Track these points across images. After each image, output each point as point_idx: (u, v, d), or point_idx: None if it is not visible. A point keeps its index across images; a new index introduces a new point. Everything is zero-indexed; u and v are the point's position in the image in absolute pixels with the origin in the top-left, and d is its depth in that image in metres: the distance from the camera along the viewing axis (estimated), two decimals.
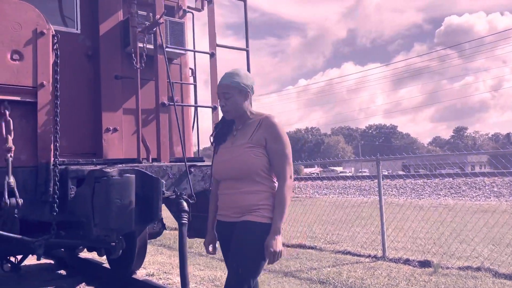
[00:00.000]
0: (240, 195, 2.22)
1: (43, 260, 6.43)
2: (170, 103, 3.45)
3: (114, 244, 2.77)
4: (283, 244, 7.03)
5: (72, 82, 3.93)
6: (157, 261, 5.94)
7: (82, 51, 4.05)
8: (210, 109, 3.81)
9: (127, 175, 2.58)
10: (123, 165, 3.04)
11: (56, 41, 2.94)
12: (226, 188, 2.30)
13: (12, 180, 2.60)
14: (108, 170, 2.56)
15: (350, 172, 51.69)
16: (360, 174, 37.55)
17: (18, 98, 2.74)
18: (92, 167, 2.92)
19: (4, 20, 2.70)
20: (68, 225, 2.97)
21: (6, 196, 2.54)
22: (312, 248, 6.47)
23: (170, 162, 3.49)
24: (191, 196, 3.17)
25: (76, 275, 5.41)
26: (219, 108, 3.77)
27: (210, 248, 2.50)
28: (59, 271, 5.74)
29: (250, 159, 2.19)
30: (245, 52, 4.00)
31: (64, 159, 3.39)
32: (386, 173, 25.23)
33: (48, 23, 3.03)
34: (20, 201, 2.58)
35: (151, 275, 5.14)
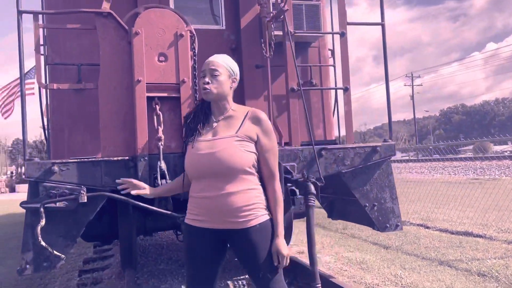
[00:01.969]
0: (226, 197, 1.95)
1: None
2: (303, 88, 3.50)
3: None
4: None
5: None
6: None
7: (227, 45, 4.43)
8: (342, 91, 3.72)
9: None
10: None
11: (193, 40, 3.29)
12: (203, 189, 1.99)
13: (163, 164, 3.06)
14: None
15: None
16: None
17: (165, 94, 3.18)
18: None
19: (151, 28, 3.15)
20: None
21: (159, 178, 3.01)
22: (480, 236, 5.75)
23: (302, 145, 3.57)
24: (320, 179, 3.19)
25: None
26: (350, 90, 3.68)
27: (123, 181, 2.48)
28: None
29: (238, 153, 1.96)
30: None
31: None
32: None
33: (188, 25, 3.42)
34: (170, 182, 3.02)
35: (301, 252, 5.36)
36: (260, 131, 2.06)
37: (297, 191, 4.30)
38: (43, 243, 2.84)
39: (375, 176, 3.70)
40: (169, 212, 3.07)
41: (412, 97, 49.04)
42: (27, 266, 2.95)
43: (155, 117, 3.15)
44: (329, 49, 4.83)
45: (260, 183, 2.07)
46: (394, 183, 3.78)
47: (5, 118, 9.82)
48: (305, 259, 4.93)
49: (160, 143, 3.10)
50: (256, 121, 2.07)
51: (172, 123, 3.26)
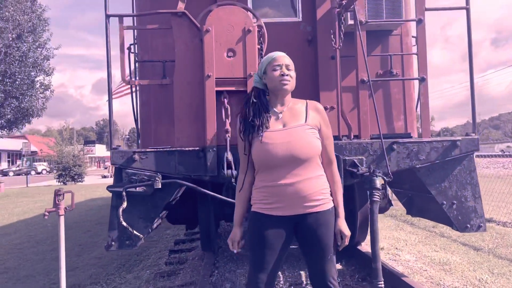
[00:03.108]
0: (304, 183, 2.06)
1: None
2: (373, 79, 3.39)
3: None
4: None
5: (296, 66, 4.35)
6: (393, 236, 5.91)
7: (303, 37, 4.42)
8: (418, 81, 3.51)
9: None
10: None
11: (261, 35, 3.36)
12: (279, 177, 2.05)
13: (229, 155, 3.22)
14: None
15: None
16: None
17: (233, 88, 3.32)
18: None
19: (221, 24, 3.30)
20: None
21: (225, 168, 3.17)
22: None
23: (372, 139, 3.46)
24: (387, 174, 3.08)
25: None
26: (427, 80, 3.46)
27: (240, 245, 2.23)
28: None
29: (313, 140, 2.10)
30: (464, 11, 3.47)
31: None
32: None
33: (258, 20, 3.51)
34: (235, 172, 3.16)
35: (381, 249, 5.18)
36: (322, 121, 2.20)
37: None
38: (124, 223, 3.18)
39: (455, 173, 3.44)
40: (232, 200, 3.22)
41: None
42: (113, 243, 3.33)
43: (223, 110, 3.31)
44: (413, 36, 4.55)
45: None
46: (478, 181, 3.48)
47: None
48: (382, 256, 4.78)
49: (227, 135, 3.25)
50: (317, 111, 2.22)
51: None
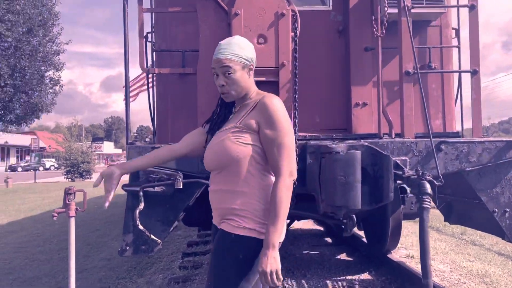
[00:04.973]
0: (218, 193, 1.73)
1: (315, 226, 7.06)
2: (421, 71, 3.04)
3: (345, 221, 2.69)
4: None
5: (325, 59, 4.03)
6: None
7: (333, 27, 4.08)
8: (469, 74, 3.15)
9: (352, 151, 2.44)
10: (359, 140, 2.89)
11: (295, 20, 3.03)
12: (211, 182, 1.80)
13: None
14: (333, 146, 2.48)
15: None
16: None
17: (263, 79, 2.99)
18: (324, 143, 2.89)
19: (251, 8, 2.97)
20: (307, 197, 3.07)
21: None
22: None
23: (416, 137, 3.11)
24: (437, 177, 2.73)
25: (340, 244, 5.68)
26: (479, 72, 3.11)
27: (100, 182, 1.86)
28: (326, 238, 6.16)
29: (232, 146, 1.67)
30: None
31: (318, 135, 3.53)
32: None
33: (291, 4, 3.17)
34: None
35: (411, 257, 4.83)
36: (263, 119, 1.70)
37: (408, 189, 3.82)
38: (140, 226, 2.86)
39: (508, 177, 3.08)
40: None
41: None
42: (127, 248, 3.02)
43: None
44: (453, 28, 4.19)
45: (263, 186, 1.71)
46: None
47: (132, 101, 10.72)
48: (414, 265, 4.42)
49: None
50: (262, 107, 1.71)
51: None
